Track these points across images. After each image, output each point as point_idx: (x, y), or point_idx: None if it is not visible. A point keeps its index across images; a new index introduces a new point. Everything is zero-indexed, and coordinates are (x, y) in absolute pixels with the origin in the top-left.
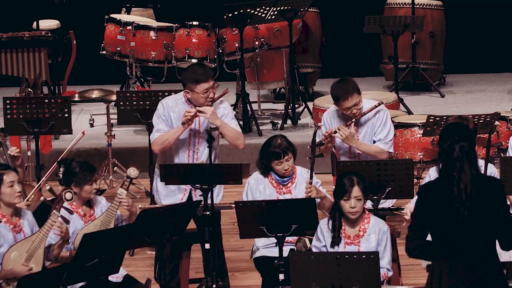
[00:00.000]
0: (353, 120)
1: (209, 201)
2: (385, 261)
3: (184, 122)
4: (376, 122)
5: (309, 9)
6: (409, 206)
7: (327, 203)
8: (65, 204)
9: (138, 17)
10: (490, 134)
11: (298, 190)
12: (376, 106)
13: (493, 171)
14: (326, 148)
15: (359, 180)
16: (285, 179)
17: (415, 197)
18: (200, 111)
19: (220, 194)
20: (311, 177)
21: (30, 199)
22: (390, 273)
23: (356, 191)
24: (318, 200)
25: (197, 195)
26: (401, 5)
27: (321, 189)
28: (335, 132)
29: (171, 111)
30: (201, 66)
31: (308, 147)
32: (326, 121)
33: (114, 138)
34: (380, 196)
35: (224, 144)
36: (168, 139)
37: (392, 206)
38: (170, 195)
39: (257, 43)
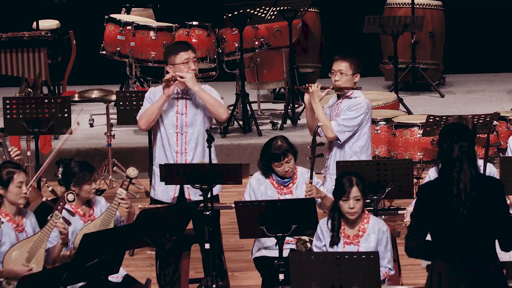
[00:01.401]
0: (329, 87)
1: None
2: (386, 261)
3: (164, 86)
4: (347, 107)
5: (309, 9)
6: (410, 209)
7: (328, 203)
8: (66, 205)
9: (138, 17)
10: (488, 134)
11: (299, 190)
12: (353, 88)
13: (492, 170)
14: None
15: (358, 181)
16: (286, 179)
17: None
18: (180, 76)
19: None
20: (311, 177)
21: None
22: (392, 272)
23: (355, 191)
24: (319, 200)
25: (189, 190)
26: (401, 5)
27: (322, 189)
28: (307, 89)
29: (157, 94)
30: (181, 42)
31: (308, 147)
32: None
33: (114, 138)
34: (380, 196)
35: (224, 144)
36: (152, 110)
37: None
38: (165, 190)
39: (257, 43)
